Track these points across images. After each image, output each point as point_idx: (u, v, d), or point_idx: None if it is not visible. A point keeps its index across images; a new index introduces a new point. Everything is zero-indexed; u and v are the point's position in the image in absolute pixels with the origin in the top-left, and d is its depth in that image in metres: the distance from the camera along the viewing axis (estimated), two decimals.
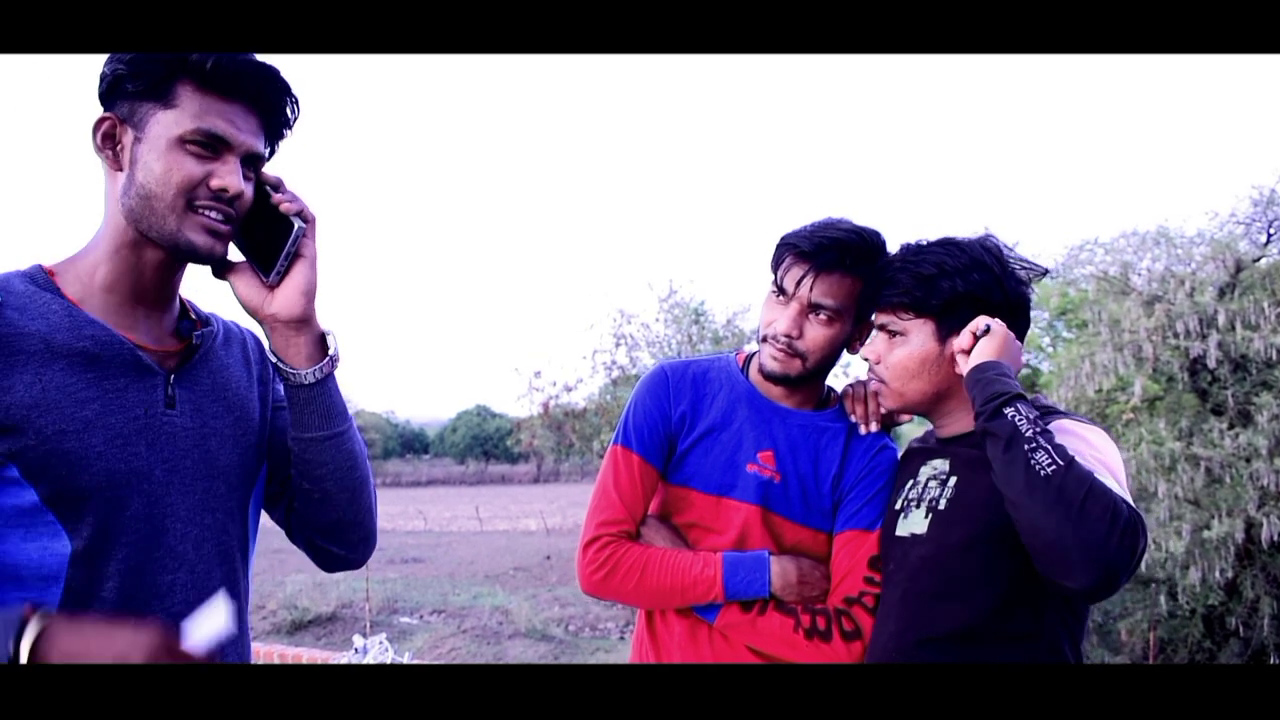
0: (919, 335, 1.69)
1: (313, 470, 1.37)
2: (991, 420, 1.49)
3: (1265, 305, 7.37)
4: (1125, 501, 1.38)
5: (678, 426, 1.86)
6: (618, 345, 15.69)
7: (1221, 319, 7.45)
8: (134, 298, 1.30)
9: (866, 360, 1.79)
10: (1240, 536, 6.94)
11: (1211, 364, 7.65)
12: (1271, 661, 7.52)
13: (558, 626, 13.86)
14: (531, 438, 18.08)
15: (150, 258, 1.28)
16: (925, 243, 1.73)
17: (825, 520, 1.82)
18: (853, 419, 1.86)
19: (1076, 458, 1.43)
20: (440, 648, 12.98)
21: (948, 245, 1.70)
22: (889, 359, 1.72)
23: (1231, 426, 7.46)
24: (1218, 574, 7.19)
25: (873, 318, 1.78)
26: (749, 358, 1.93)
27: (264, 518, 1.53)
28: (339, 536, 1.43)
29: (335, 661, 6.24)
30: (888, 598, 1.69)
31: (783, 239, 1.78)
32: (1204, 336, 7.53)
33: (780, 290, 1.77)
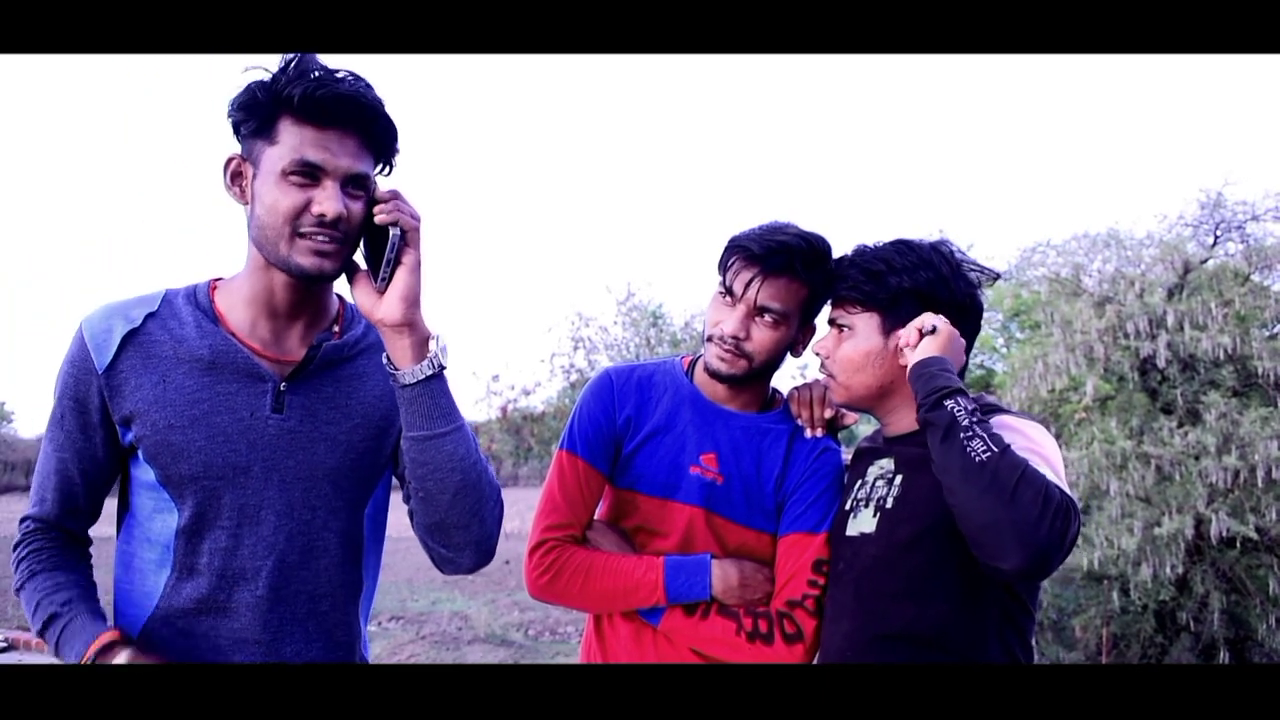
0: (865, 329, 1.73)
1: (416, 469, 1.44)
2: (931, 411, 1.52)
3: (1213, 306, 7.50)
4: (1058, 487, 1.41)
5: (623, 430, 1.87)
6: (576, 348, 15.66)
7: (1170, 319, 7.58)
8: (268, 311, 1.48)
9: (818, 355, 1.81)
10: (1190, 533, 7.05)
11: (1161, 364, 7.78)
12: (1222, 655, 7.67)
13: (517, 631, 13.78)
14: (490, 442, 17.98)
15: (278, 279, 1.45)
16: (879, 242, 1.77)
17: (769, 521, 1.83)
18: (799, 422, 1.88)
19: (1012, 447, 1.46)
20: (399, 654, 12.84)
21: (898, 244, 1.74)
22: (837, 353, 1.76)
23: (1181, 425, 7.58)
24: (1169, 570, 7.31)
25: (830, 315, 1.81)
26: (694, 361, 1.94)
27: None
28: (442, 537, 1.48)
29: None
30: (840, 597, 1.70)
31: (731, 241, 1.79)
32: (1154, 337, 7.64)
33: (728, 292, 1.77)
